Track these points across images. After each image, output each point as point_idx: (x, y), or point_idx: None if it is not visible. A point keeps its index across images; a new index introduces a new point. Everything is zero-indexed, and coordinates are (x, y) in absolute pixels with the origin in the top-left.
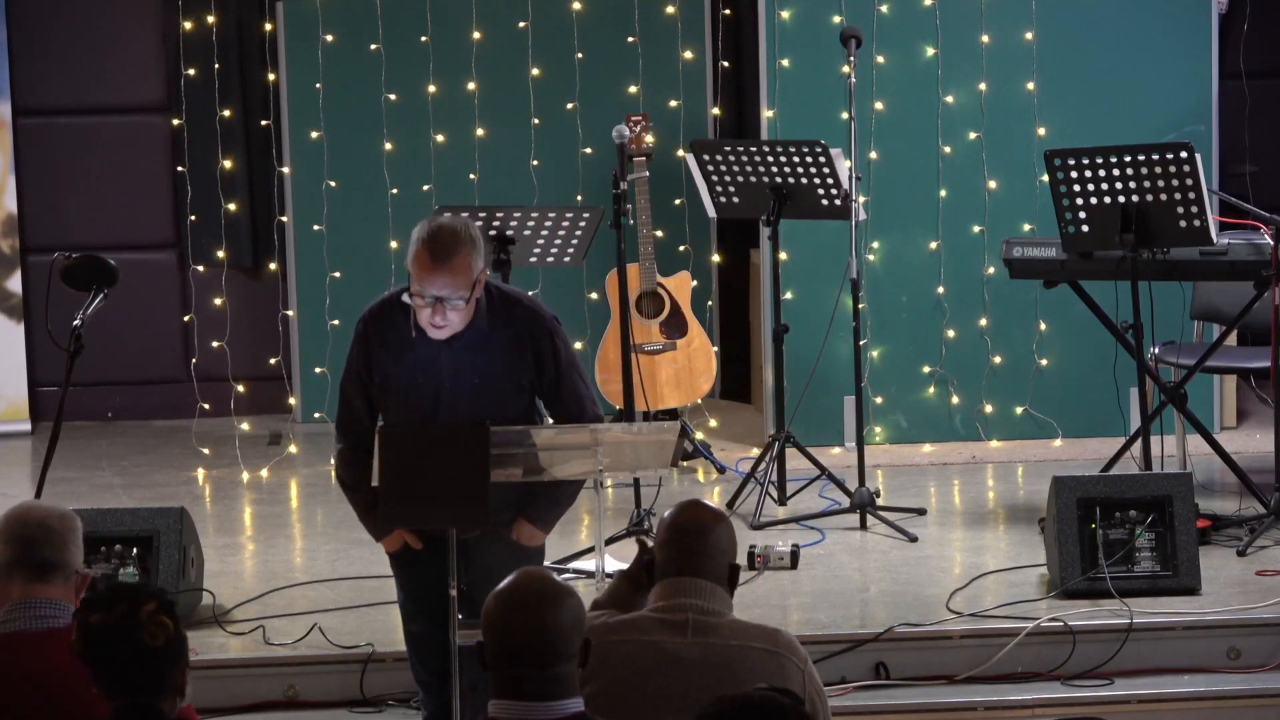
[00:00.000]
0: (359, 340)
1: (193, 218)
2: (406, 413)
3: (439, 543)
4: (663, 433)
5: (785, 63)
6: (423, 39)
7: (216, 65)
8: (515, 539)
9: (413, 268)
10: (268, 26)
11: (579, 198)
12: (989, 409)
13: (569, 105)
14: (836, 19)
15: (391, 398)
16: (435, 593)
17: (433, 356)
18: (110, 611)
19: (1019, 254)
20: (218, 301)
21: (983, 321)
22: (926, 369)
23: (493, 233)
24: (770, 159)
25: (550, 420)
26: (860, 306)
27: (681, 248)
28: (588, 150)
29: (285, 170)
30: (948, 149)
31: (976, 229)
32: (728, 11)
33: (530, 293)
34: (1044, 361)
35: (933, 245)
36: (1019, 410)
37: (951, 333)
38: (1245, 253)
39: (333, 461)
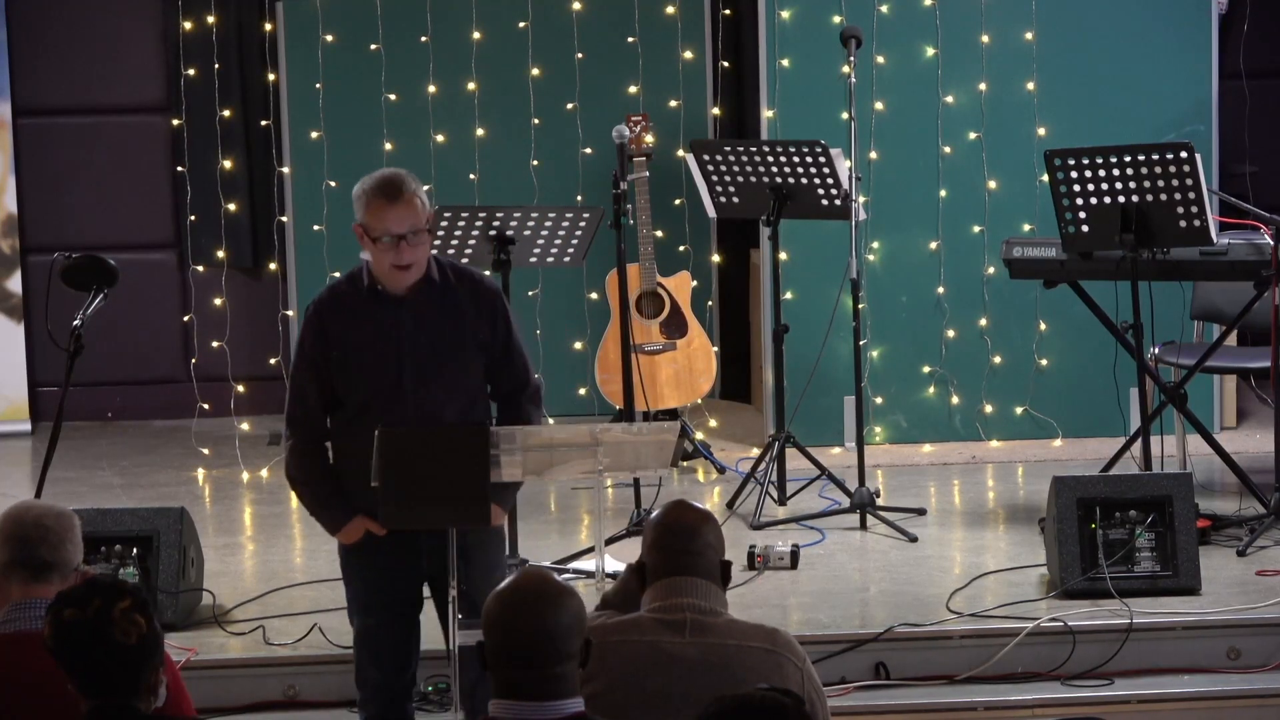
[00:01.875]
0: (310, 326)
1: (193, 218)
2: (370, 385)
3: (400, 532)
4: (663, 433)
5: (785, 63)
6: (423, 39)
7: (216, 65)
8: None
9: (368, 216)
10: (268, 26)
11: (579, 198)
12: (989, 409)
13: (569, 105)
14: (836, 19)
15: (353, 373)
16: (396, 583)
17: (390, 320)
18: (84, 608)
19: (1019, 254)
20: (218, 301)
21: (983, 321)
22: (926, 369)
23: (493, 233)
24: (770, 159)
25: (491, 389)
26: (860, 306)
27: (681, 248)
28: (588, 150)
29: (285, 170)
30: (948, 149)
31: (976, 229)
32: (728, 11)
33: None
34: (1044, 361)
35: (933, 245)
36: (1019, 410)
37: (951, 333)
38: (1245, 253)
39: (287, 464)
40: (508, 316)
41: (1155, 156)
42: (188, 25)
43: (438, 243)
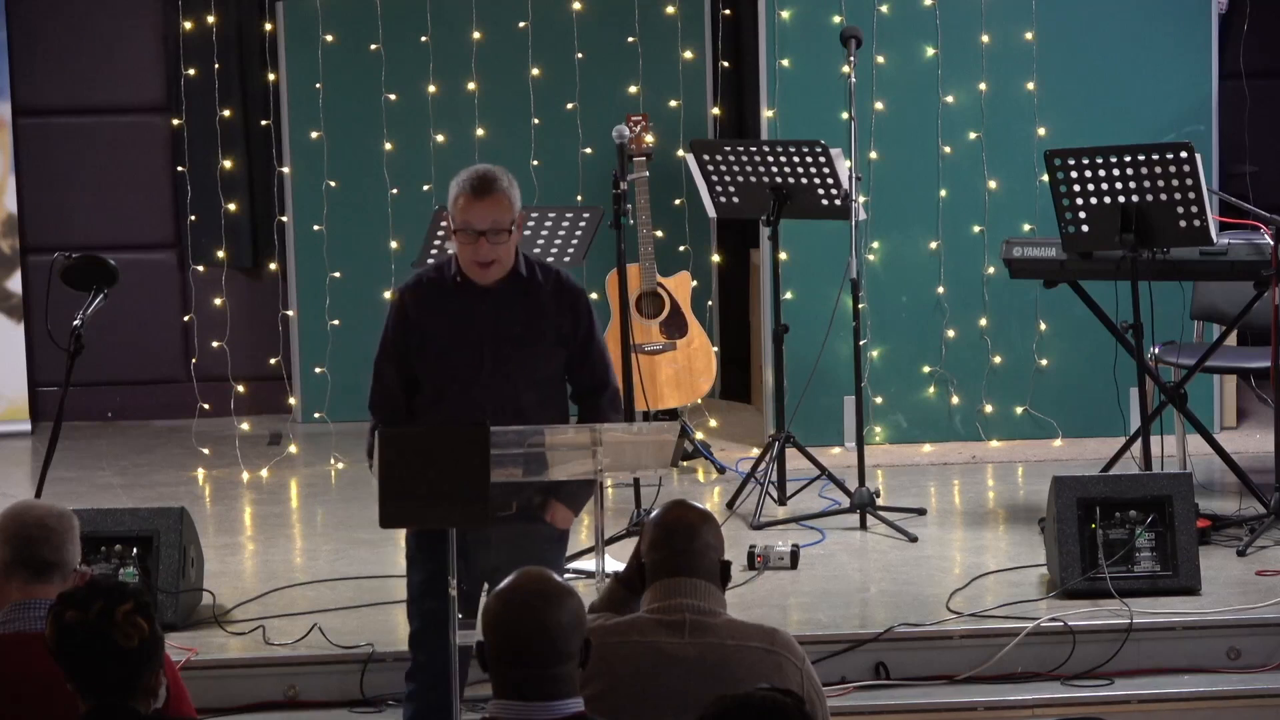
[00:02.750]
0: (395, 309)
1: (193, 218)
2: (449, 372)
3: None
4: (663, 433)
5: (785, 63)
6: (423, 39)
7: (216, 65)
8: (549, 520)
9: (455, 210)
10: (268, 26)
11: (579, 198)
12: (989, 409)
13: (569, 105)
14: (836, 19)
15: (431, 360)
16: (470, 577)
17: (473, 308)
18: (86, 610)
19: (1019, 254)
20: (218, 301)
21: (983, 321)
22: (926, 369)
23: None
24: (770, 159)
25: (570, 389)
26: (860, 306)
27: (681, 248)
28: (588, 150)
29: (285, 170)
30: (948, 149)
31: (976, 229)
32: (728, 11)
33: None
34: (1044, 361)
35: (933, 245)
36: (1019, 410)
37: (951, 333)
38: (1245, 253)
39: (366, 442)
40: (590, 316)
41: (1155, 156)
42: (188, 25)
43: (437, 242)
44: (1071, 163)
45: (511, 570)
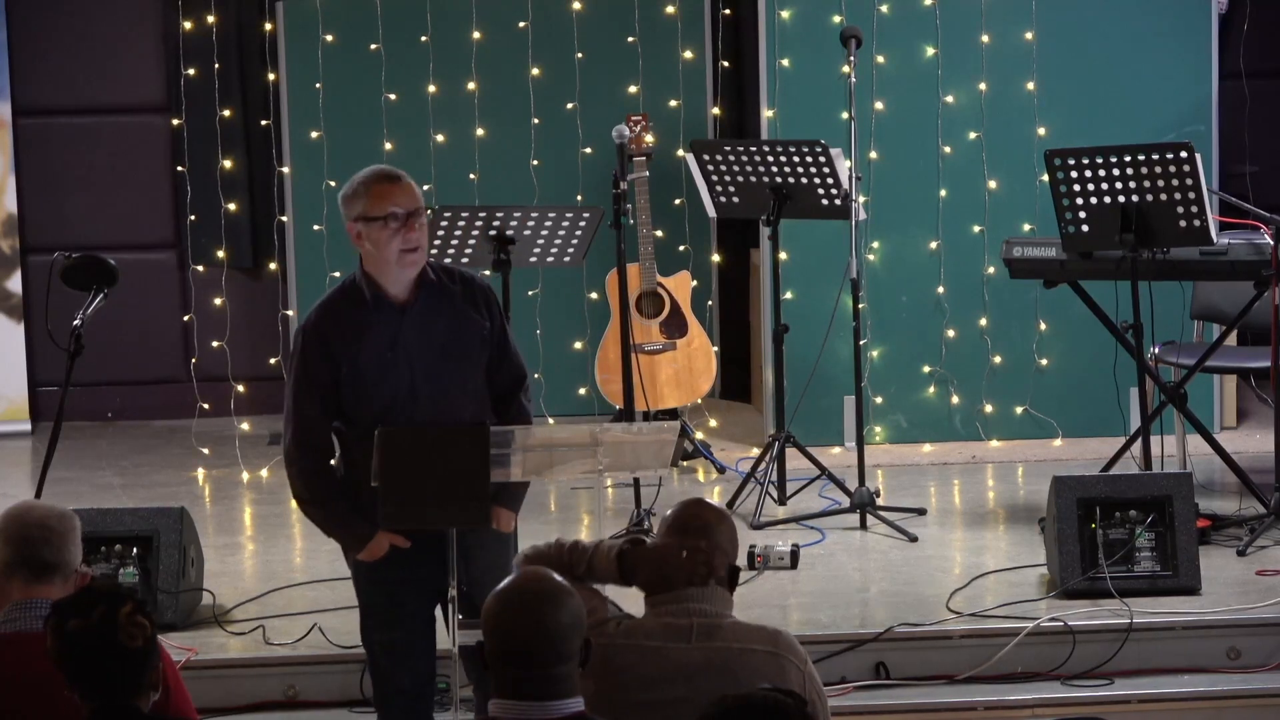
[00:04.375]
0: (310, 345)
1: (193, 218)
2: (384, 397)
3: (425, 542)
4: (663, 433)
5: (785, 63)
6: (423, 39)
7: (216, 65)
8: (495, 527)
9: (369, 202)
10: (268, 26)
11: (579, 198)
12: (989, 409)
13: (569, 105)
14: (836, 19)
15: (366, 387)
16: (417, 593)
17: (394, 328)
18: (88, 616)
19: (1019, 254)
20: (218, 301)
21: (983, 321)
22: (926, 369)
23: (493, 233)
24: (770, 159)
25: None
26: (860, 306)
27: (681, 248)
28: (588, 150)
29: (285, 170)
30: (948, 149)
31: (976, 229)
32: (728, 11)
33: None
34: (1044, 361)
35: (933, 245)
36: (1019, 410)
37: (951, 333)
38: (1245, 253)
39: (291, 487)
40: (502, 312)
41: (1155, 156)
42: (188, 25)
43: (438, 243)
44: (1071, 163)
45: (468, 579)
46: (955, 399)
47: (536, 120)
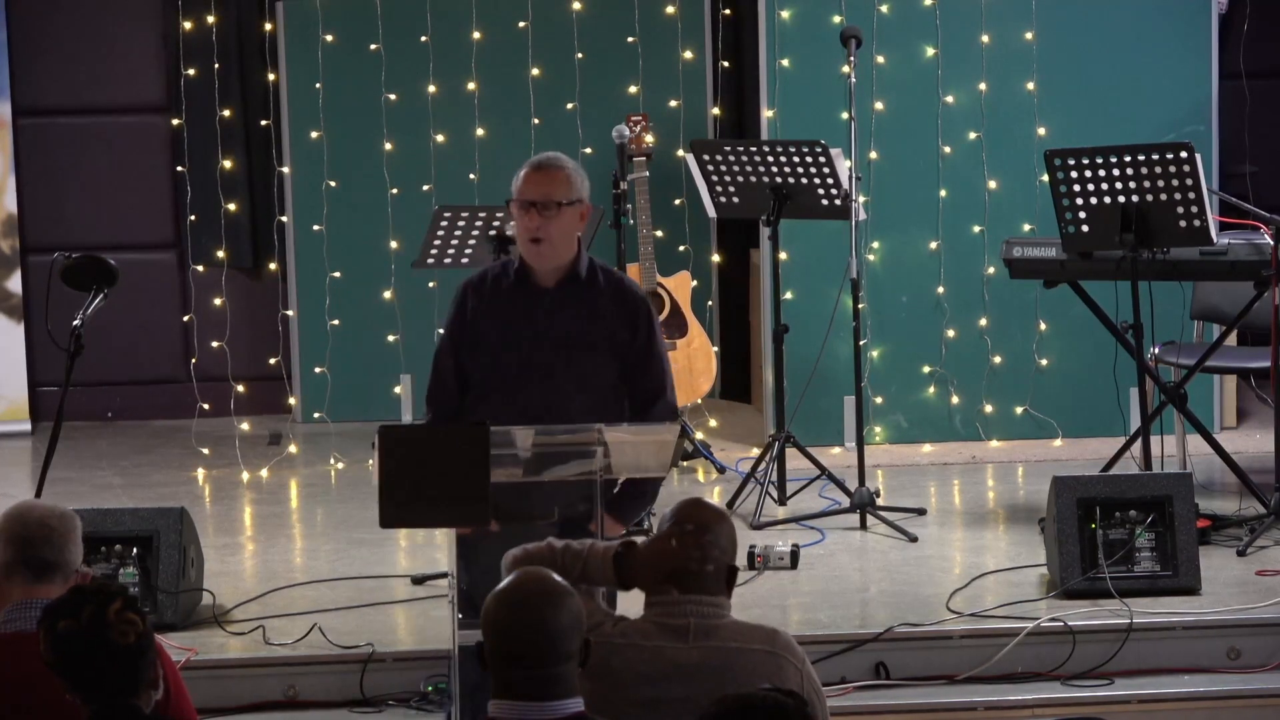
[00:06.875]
0: (456, 302)
1: (193, 218)
2: (497, 368)
3: (510, 528)
4: (663, 433)
5: (785, 63)
6: (423, 39)
7: (216, 65)
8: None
9: (519, 184)
10: (268, 26)
11: None
12: (989, 409)
13: (569, 105)
14: (836, 19)
15: (483, 358)
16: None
17: (528, 308)
18: (77, 617)
19: (1019, 254)
20: (218, 301)
21: (983, 321)
22: (926, 369)
23: (493, 233)
24: (770, 159)
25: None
26: (860, 306)
27: (681, 248)
28: (588, 150)
29: (285, 170)
30: (948, 149)
31: (976, 229)
32: (728, 11)
33: None
34: (1044, 361)
35: (933, 245)
36: (1019, 410)
37: (951, 333)
38: (1245, 253)
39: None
40: (650, 325)
41: (1155, 156)
42: (188, 25)
43: (437, 242)
44: (1071, 163)
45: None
46: (955, 399)
47: (536, 120)
